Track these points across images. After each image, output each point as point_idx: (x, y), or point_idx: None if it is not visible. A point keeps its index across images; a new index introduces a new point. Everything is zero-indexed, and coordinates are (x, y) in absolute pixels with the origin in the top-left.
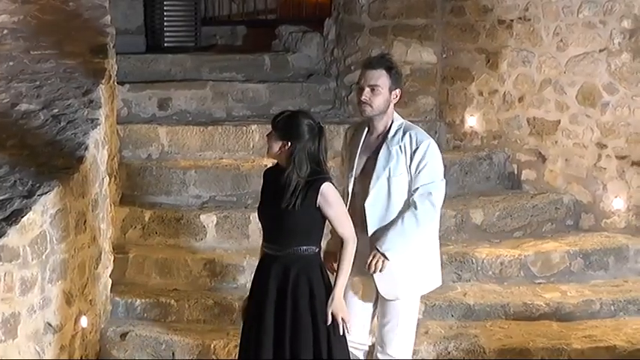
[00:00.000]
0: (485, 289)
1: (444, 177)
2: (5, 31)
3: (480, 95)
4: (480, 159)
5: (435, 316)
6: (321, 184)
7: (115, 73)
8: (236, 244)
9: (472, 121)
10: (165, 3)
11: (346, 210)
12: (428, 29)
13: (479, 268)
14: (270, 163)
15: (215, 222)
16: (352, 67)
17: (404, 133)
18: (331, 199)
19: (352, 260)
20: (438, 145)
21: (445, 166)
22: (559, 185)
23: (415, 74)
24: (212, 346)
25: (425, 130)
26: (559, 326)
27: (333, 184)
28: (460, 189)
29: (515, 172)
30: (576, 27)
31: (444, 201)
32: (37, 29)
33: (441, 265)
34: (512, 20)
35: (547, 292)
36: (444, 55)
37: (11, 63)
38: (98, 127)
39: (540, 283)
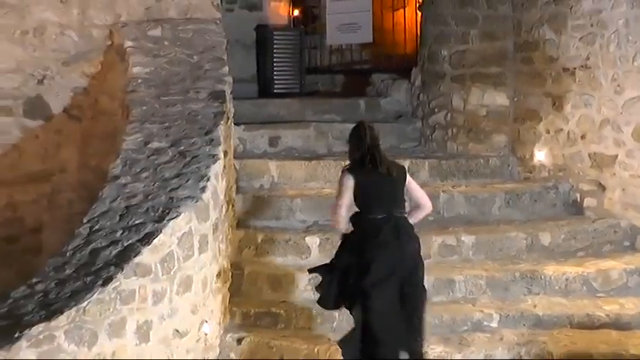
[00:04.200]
0: (553, 301)
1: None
2: (139, 81)
3: (547, 133)
4: (547, 188)
5: (509, 325)
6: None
7: (232, 115)
8: None
9: (540, 155)
10: (274, 55)
11: (342, 199)
12: (501, 76)
13: (547, 284)
14: None
15: (318, 243)
16: (436, 110)
17: None
18: (338, 184)
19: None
20: (511, 177)
21: (518, 195)
22: (617, 211)
23: (490, 115)
24: (315, 350)
25: (498, 164)
26: (618, 334)
27: (350, 173)
28: (530, 215)
29: (578, 200)
30: (631, 73)
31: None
32: (166, 78)
33: (514, 280)
34: (575, 68)
35: (607, 304)
36: (515, 99)
37: (144, 107)
38: (218, 161)
39: (601, 297)
